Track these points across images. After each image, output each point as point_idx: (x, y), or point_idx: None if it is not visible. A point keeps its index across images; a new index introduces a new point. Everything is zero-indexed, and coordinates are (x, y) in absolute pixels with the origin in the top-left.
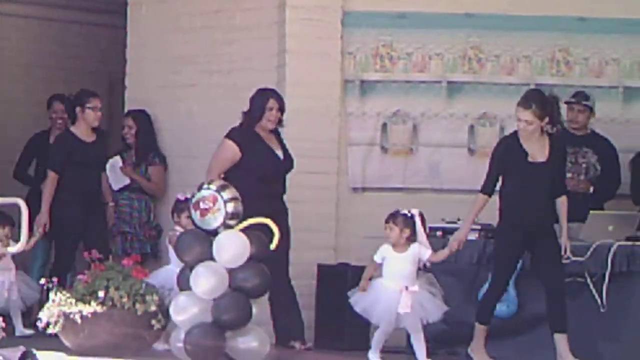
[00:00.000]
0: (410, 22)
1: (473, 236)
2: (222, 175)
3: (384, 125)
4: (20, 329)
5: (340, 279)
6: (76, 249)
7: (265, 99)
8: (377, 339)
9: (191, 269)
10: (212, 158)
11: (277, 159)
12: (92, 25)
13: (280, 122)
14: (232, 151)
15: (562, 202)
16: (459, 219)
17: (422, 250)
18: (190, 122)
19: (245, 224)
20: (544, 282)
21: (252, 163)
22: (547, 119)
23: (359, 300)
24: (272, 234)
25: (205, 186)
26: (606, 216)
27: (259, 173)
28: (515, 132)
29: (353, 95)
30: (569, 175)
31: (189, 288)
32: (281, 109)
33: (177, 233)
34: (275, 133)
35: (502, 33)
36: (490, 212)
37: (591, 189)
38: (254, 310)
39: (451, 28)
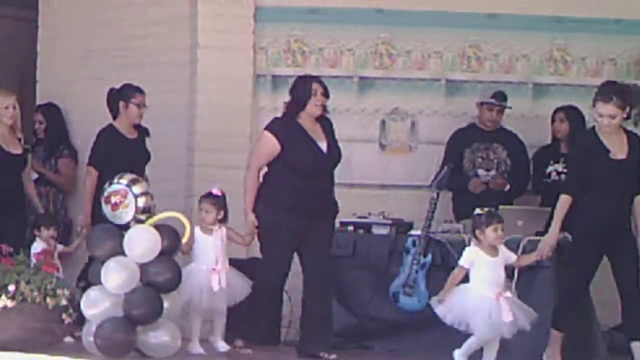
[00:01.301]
0: (322, 18)
1: (385, 231)
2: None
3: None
4: None
5: (251, 273)
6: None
7: (308, 84)
8: (471, 347)
9: (102, 263)
10: (251, 151)
11: (320, 153)
12: (3, 19)
13: (325, 108)
14: (271, 144)
15: (638, 201)
16: (369, 214)
17: (508, 253)
18: (102, 116)
19: (156, 218)
20: (621, 288)
21: (292, 157)
22: (627, 110)
23: (448, 312)
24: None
25: (116, 181)
26: (515, 211)
27: (299, 168)
28: (593, 128)
29: (265, 90)
30: (487, 173)
31: (100, 282)
32: (325, 94)
33: (197, 228)
34: (323, 123)
35: (413, 29)
36: (401, 205)
37: (507, 187)
38: (165, 304)
39: (363, 23)
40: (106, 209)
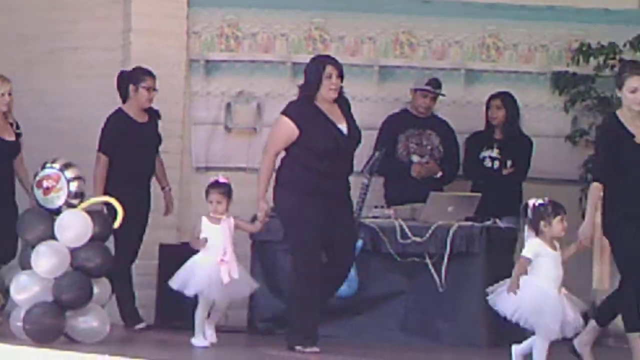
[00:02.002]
0: (255, 2)
1: None
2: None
3: (229, 105)
4: None
5: (183, 258)
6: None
7: (321, 67)
8: (537, 349)
9: (33, 247)
10: (269, 136)
11: (340, 134)
12: None
13: (341, 90)
14: (289, 129)
15: None
16: None
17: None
18: (38, 100)
19: (88, 203)
20: None
21: (311, 140)
22: None
23: (509, 305)
24: (116, 212)
25: (49, 165)
26: (446, 197)
27: (320, 150)
28: (614, 113)
29: (198, 75)
30: (421, 159)
31: (30, 267)
32: (341, 75)
33: (202, 218)
34: (341, 103)
35: (347, 14)
36: None
37: (439, 174)
38: (95, 289)
39: (295, 9)
40: (38, 193)
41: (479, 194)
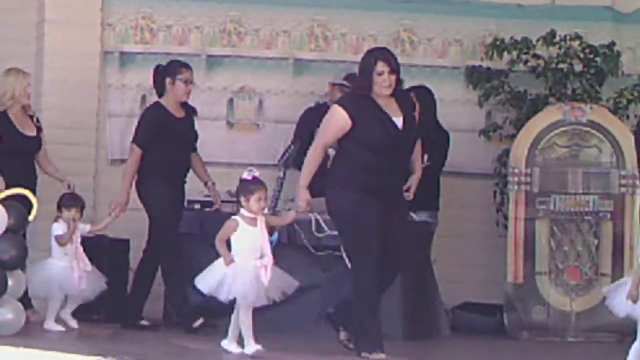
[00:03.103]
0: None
1: (232, 209)
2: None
3: (144, 97)
4: (49, 324)
5: (98, 251)
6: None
7: (372, 63)
8: None
9: None
10: (322, 125)
11: (394, 128)
12: None
13: (399, 83)
14: (341, 119)
15: None
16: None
17: None
18: None
19: (2, 195)
20: None
21: (364, 132)
22: None
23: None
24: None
25: None
26: None
27: (372, 143)
28: None
29: (112, 67)
30: (332, 151)
31: None
32: (394, 70)
33: (235, 220)
34: (400, 97)
35: (262, 7)
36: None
37: None
38: (10, 282)
39: (210, 1)
40: None
41: None
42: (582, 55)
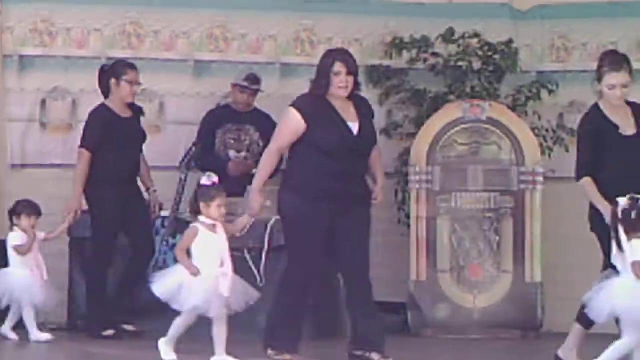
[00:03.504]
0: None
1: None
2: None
3: (44, 101)
4: (35, 334)
5: None
6: (116, 240)
7: (329, 63)
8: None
9: None
10: (277, 128)
11: (349, 132)
12: None
13: (357, 86)
14: (296, 122)
15: None
16: None
17: None
18: None
19: None
20: None
21: (317, 136)
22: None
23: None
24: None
25: None
26: (264, 192)
27: (325, 147)
28: (596, 105)
29: (12, 71)
30: (238, 154)
31: None
32: (351, 72)
33: (195, 227)
34: (358, 103)
35: (161, 9)
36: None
37: (254, 170)
38: None
39: (110, 4)
40: None
41: None
42: (480, 53)
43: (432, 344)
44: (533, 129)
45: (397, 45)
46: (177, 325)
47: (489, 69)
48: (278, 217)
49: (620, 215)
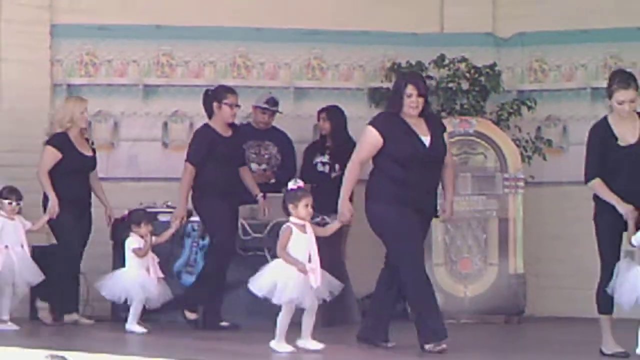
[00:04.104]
0: (110, 33)
1: (168, 218)
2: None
3: (89, 123)
4: (132, 325)
5: (51, 259)
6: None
7: (402, 85)
8: None
9: None
10: (357, 144)
11: (421, 144)
12: None
13: (427, 105)
14: (373, 138)
15: None
16: (155, 203)
17: None
18: None
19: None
20: None
21: (393, 148)
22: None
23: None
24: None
25: None
26: (280, 198)
27: (401, 158)
28: (605, 118)
29: (61, 98)
30: (259, 166)
31: None
32: (421, 94)
33: (289, 226)
34: (429, 119)
35: (190, 42)
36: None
37: (272, 180)
38: None
39: (145, 38)
40: None
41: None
42: (468, 75)
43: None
44: (514, 140)
45: (395, 69)
46: (281, 321)
47: (475, 89)
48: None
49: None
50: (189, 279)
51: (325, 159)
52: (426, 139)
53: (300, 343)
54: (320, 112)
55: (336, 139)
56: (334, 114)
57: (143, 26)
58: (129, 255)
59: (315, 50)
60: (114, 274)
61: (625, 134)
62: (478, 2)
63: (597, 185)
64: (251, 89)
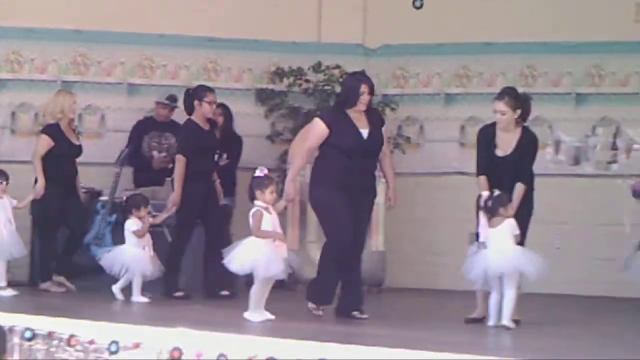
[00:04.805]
0: (34, 35)
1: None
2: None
3: (13, 113)
4: (137, 297)
5: None
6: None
7: (358, 85)
8: None
9: None
10: (307, 134)
11: (360, 137)
12: None
13: (370, 103)
14: (321, 129)
15: (516, 187)
16: None
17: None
18: None
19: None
20: None
21: (335, 139)
22: (519, 111)
23: None
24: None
25: None
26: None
27: (344, 147)
28: (494, 123)
29: None
30: (159, 154)
31: None
32: (371, 92)
33: (259, 210)
34: (370, 114)
35: (105, 46)
36: (94, 178)
37: (170, 165)
38: None
39: (64, 40)
40: None
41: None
42: (340, 80)
43: (301, 297)
44: None
45: (279, 73)
46: (256, 293)
47: None
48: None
49: (482, 204)
50: (97, 251)
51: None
52: (365, 132)
53: (247, 314)
54: (217, 106)
55: (225, 132)
56: (225, 111)
57: (63, 30)
58: (128, 235)
59: (211, 55)
60: (114, 250)
61: (502, 144)
62: (350, 16)
63: (481, 182)
64: (155, 87)
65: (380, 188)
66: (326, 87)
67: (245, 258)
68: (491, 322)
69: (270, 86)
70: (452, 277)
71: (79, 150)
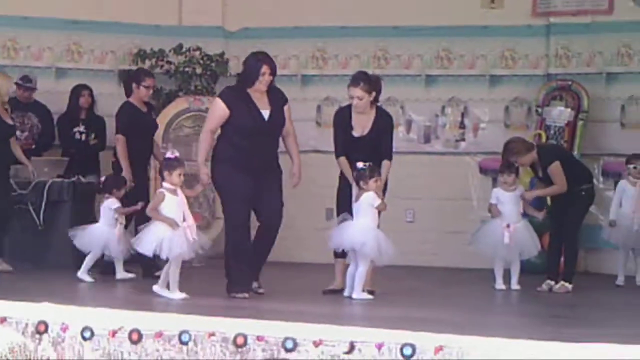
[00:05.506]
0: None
1: None
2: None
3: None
4: (121, 273)
5: None
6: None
7: (259, 65)
8: None
9: None
10: (208, 114)
11: (261, 117)
12: None
13: (272, 83)
14: (221, 109)
15: (384, 164)
16: None
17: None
18: None
19: None
20: None
21: (235, 119)
22: (374, 94)
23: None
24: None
25: None
26: (43, 161)
27: (241, 128)
28: (349, 106)
29: None
30: (22, 134)
31: None
32: (273, 73)
33: (162, 191)
34: (272, 94)
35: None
36: None
37: (33, 146)
38: None
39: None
40: None
41: (67, 158)
42: (201, 62)
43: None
44: None
45: (141, 55)
46: (173, 274)
47: (207, 73)
48: (54, 179)
49: (355, 175)
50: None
51: (82, 129)
52: (266, 112)
53: (162, 291)
54: (80, 89)
55: (90, 112)
56: (90, 92)
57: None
58: (105, 213)
59: (74, 37)
60: (87, 228)
61: (358, 125)
62: (210, 0)
63: (341, 163)
64: (18, 68)
65: None
66: (187, 69)
67: (150, 240)
68: (346, 292)
69: (133, 68)
70: (310, 251)
71: (13, 130)
